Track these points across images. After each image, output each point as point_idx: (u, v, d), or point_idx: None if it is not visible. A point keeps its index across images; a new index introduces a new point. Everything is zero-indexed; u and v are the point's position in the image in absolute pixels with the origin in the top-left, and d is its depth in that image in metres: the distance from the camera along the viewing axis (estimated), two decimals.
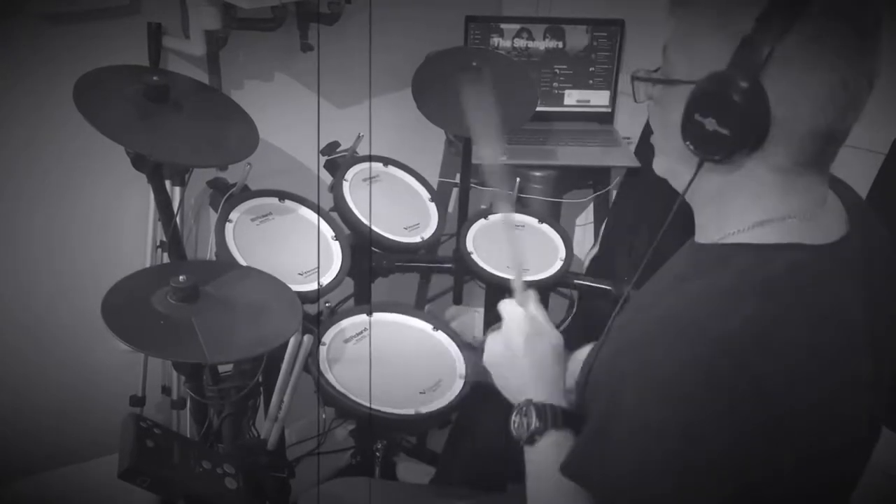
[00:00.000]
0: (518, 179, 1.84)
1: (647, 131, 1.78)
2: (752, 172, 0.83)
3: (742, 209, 0.85)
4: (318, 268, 1.48)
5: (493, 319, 1.81)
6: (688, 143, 0.82)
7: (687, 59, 0.83)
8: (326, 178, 1.73)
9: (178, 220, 1.54)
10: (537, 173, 2.01)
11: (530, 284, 1.09)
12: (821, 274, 0.82)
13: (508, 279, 1.68)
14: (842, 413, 0.82)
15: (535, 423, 0.93)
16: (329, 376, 1.28)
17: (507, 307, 1.05)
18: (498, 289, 1.79)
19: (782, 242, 0.83)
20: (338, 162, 1.71)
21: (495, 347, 1.03)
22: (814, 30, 0.76)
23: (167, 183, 1.51)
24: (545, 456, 0.92)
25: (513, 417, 0.95)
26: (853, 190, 0.97)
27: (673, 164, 0.90)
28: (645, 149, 1.99)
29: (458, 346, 1.42)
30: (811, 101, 0.78)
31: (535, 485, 0.93)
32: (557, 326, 2.36)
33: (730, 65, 0.78)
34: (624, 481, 0.78)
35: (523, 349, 0.99)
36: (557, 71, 2.14)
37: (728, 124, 0.79)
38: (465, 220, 1.79)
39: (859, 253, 0.88)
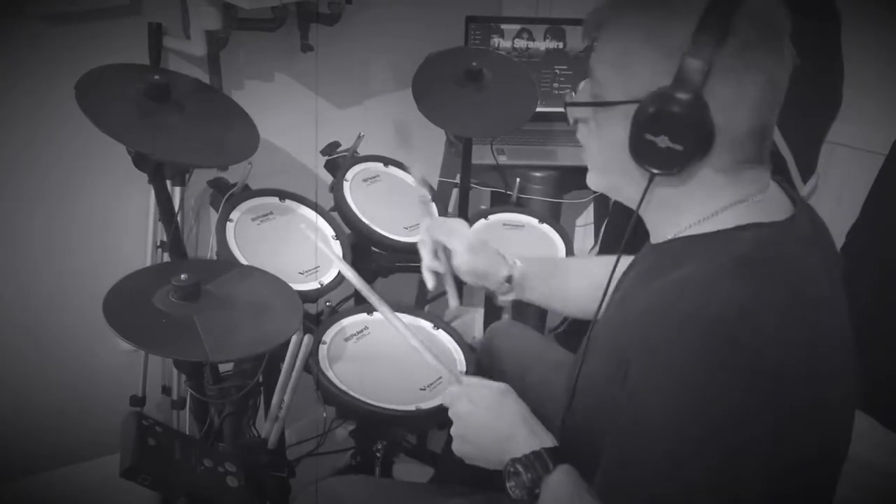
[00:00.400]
0: (518, 180, 1.85)
1: None
2: (698, 176, 0.86)
3: (692, 207, 0.88)
4: (318, 267, 1.48)
5: (492, 319, 1.81)
6: (643, 163, 0.85)
7: (621, 80, 0.86)
8: (327, 177, 1.73)
9: (178, 219, 1.54)
10: (537, 174, 2.01)
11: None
12: (784, 247, 0.85)
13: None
14: (833, 377, 0.85)
15: (526, 478, 0.90)
16: (329, 374, 1.29)
17: (444, 396, 1.04)
18: None
19: (741, 224, 0.85)
20: (338, 162, 1.71)
21: (454, 430, 1.00)
22: (746, 38, 0.80)
23: (168, 182, 1.51)
24: (553, 502, 0.89)
25: (507, 485, 0.93)
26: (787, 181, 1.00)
27: (615, 179, 0.92)
28: None
29: (458, 342, 1.42)
30: (748, 104, 0.82)
31: None
32: (557, 328, 2.38)
33: (674, 82, 0.81)
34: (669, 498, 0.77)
35: (472, 409, 0.98)
36: (558, 71, 2.15)
37: (680, 139, 0.82)
38: (465, 219, 1.79)
39: (811, 230, 0.91)
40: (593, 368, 0.93)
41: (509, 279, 1.30)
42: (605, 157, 0.91)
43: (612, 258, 0.96)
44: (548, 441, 0.94)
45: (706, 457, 0.76)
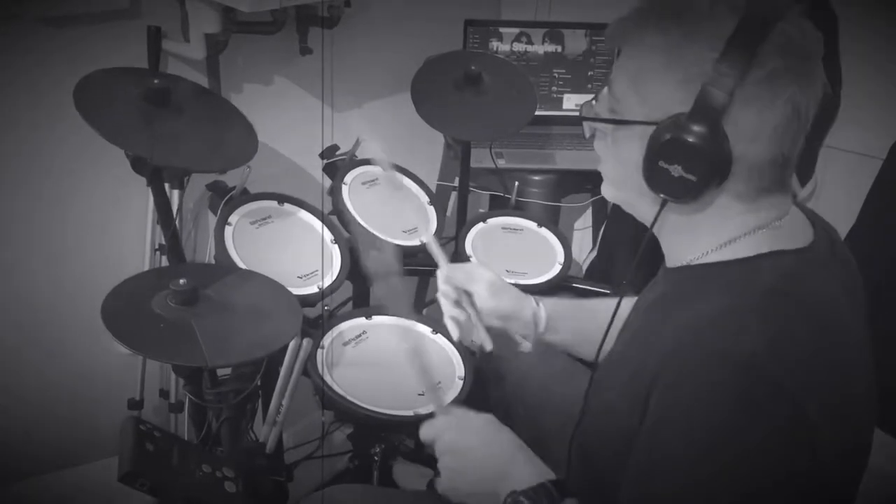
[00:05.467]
0: (517, 183, 1.85)
1: None
2: (715, 204, 0.84)
3: (709, 233, 0.86)
4: (322, 269, 1.48)
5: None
6: (656, 189, 0.83)
7: (639, 99, 0.84)
8: (326, 180, 1.73)
9: (177, 223, 1.54)
10: (536, 177, 2.02)
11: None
12: (807, 277, 0.83)
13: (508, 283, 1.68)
14: (860, 413, 0.84)
15: None
16: (328, 379, 1.28)
17: (426, 430, 1.00)
18: None
19: (762, 252, 0.83)
20: (337, 165, 1.71)
21: (443, 466, 0.96)
22: (771, 66, 0.77)
23: (166, 186, 1.51)
24: None
25: None
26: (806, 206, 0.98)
27: (629, 196, 0.90)
28: None
29: (457, 347, 1.42)
30: (769, 134, 0.79)
31: None
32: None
33: (692, 111, 0.78)
34: None
35: (460, 438, 0.95)
36: (556, 75, 2.15)
37: (694, 170, 0.79)
38: (463, 223, 1.79)
39: (831, 254, 0.89)
40: (610, 397, 0.89)
41: (535, 320, 1.21)
42: (620, 174, 0.89)
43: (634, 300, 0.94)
44: (547, 473, 0.91)
45: (731, 494, 0.74)
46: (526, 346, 1.22)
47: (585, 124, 0.92)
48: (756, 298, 0.79)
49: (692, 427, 0.75)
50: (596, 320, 1.16)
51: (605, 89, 0.90)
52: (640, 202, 0.89)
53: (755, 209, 0.84)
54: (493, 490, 0.90)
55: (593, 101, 0.91)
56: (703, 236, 0.86)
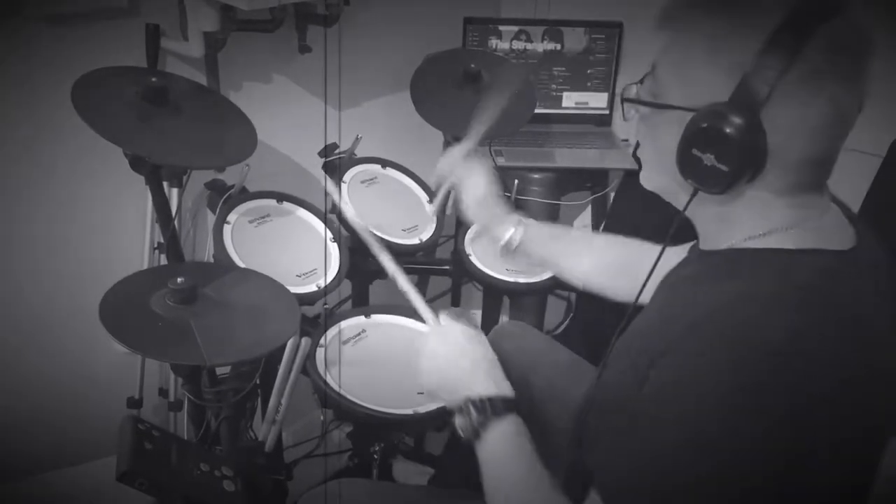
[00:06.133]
0: (516, 181, 1.85)
1: None
2: (749, 196, 0.83)
3: (746, 222, 0.85)
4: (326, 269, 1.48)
5: (490, 321, 1.80)
6: (687, 176, 0.82)
7: (680, 84, 0.83)
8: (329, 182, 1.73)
9: (175, 221, 1.53)
10: (535, 175, 2.01)
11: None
12: (844, 280, 0.82)
13: (507, 281, 1.69)
14: (879, 423, 0.83)
15: (475, 417, 0.93)
16: (327, 378, 1.28)
17: (445, 318, 1.08)
18: (496, 291, 1.80)
19: (804, 248, 0.82)
20: (336, 164, 1.71)
21: (421, 362, 1.04)
22: (816, 63, 0.76)
23: (165, 184, 1.51)
24: (494, 449, 0.92)
25: (456, 420, 0.96)
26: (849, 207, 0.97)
27: (666, 182, 0.89)
28: None
29: None
30: (808, 132, 0.78)
31: (493, 484, 0.91)
32: (556, 328, 2.37)
33: (731, 101, 0.77)
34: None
35: (438, 345, 1.02)
36: (555, 73, 2.14)
37: (727, 161, 0.78)
38: (462, 221, 1.79)
39: (873, 263, 0.87)
40: (620, 367, 0.90)
41: (509, 243, 1.31)
42: (658, 159, 0.88)
43: (618, 238, 0.97)
44: (506, 391, 0.97)
45: (715, 472, 0.74)
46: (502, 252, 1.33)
47: (626, 106, 0.91)
48: (790, 290, 0.78)
49: (700, 398, 0.75)
50: (570, 246, 1.31)
51: (647, 76, 0.89)
52: (674, 187, 0.88)
53: (794, 204, 0.83)
54: (456, 393, 0.98)
55: (636, 86, 0.90)
56: (740, 226, 0.85)
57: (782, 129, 0.77)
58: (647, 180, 0.93)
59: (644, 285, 0.94)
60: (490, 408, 0.93)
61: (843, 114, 0.79)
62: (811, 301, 0.77)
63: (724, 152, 0.78)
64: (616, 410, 0.86)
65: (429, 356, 1.03)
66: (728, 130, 0.77)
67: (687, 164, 0.81)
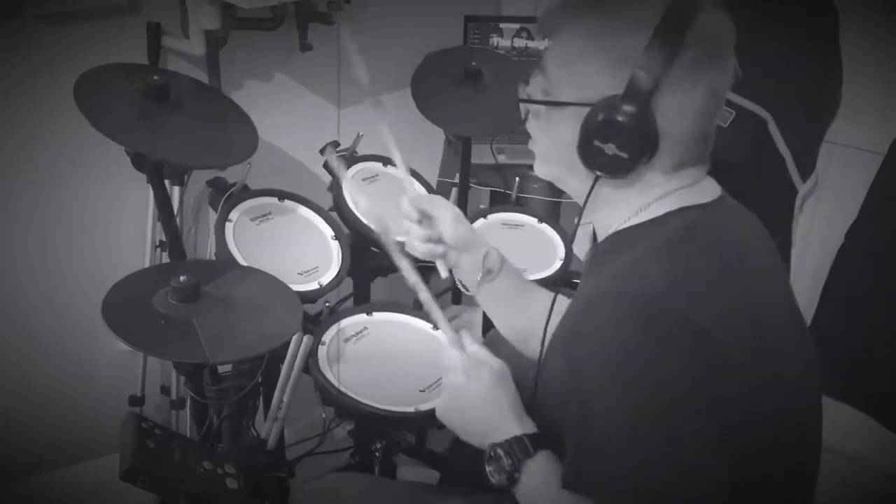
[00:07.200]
0: (518, 179, 1.85)
1: None
2: (641, 177, 0.91)
3: (629, 201, 0.93)
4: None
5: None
6: (591, 167, 0.90)
7: (572, 82, 0.90)
8: (326, 177, 1.73)
9: (177, 219, 1.54)
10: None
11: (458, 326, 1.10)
12: (711, 224, 0.91)
13: None
14: (781, 345, 0.90)
15: (506, 463, 0.91)
16: (328, 375, 1.29)
17: (443, 357, 1.03)
18: None
19: (672, 210, 0.91)
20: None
21: (443, 398, 1.01)
22: (692, 53, 0.85)
23: (166, 182, 1.51)
24: (531, 487, 0.91)
25: (487, 469, 0.93)
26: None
27: (561, 172, 0.97)
28: None
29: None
30: (692, 114, 0.88)
31: None
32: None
33: (624, 93, 0.85)
34: (622, 468, 0.80)
35: (466, 385, 0.98)
36: None
37: (626, 148, 0.87)
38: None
39: (737, 210, 0.97)
40: (552, 364, 0.96)
41: (484, 262, 1.21)
42: (553, 152, 0.96)
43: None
44: (530, 427, 0.95)
45: (659, 429, 0.79)
46: (444, 273, 1.25)
47: (521, 105, 0.98)
48: (659, 246, 0.87)
49: (610, 368, 0.81)
50: (525, 309, 1.21)
51: (535, 74, 0.95)
52: (570, 178, 0.96)
53: (674, 178, 0.92)
54: (481, 437, 0.96)
55: (525, 85, 0.97)
56: (624, 207, 0.93)
57: (671, 113, 0.86)
58: (541, 171, 1.00)
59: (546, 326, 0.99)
60: (519, 450, 0.92)
61: (717, 95, 0.89)
62: (681, 248, 0.86)
63: (624, 141, 0.86)
64: (561, 406, 0.88)
65: (453, 395, 1.00)
66: (625, 120, 0.85)
67: (589, 155, 0.89)
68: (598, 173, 0.90)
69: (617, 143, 0.86)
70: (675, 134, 0.88)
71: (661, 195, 0.92)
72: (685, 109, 0.87)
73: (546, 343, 0.99)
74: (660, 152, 0.88)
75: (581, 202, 0.96)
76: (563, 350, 0.90)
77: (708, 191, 0.95)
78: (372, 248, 1.66)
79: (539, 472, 0.91)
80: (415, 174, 1.78)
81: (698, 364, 0.79)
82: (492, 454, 0.93)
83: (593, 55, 0.87)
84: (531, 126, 0.98)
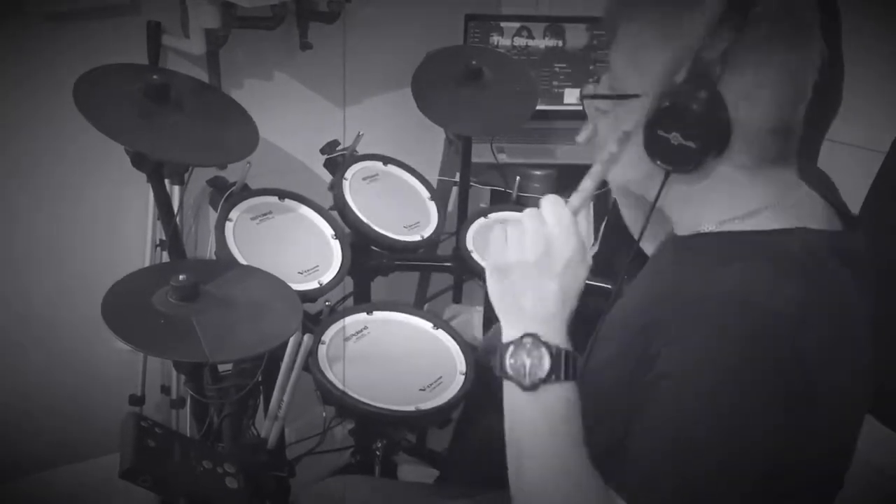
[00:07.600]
0: (518, 178, 1.84)
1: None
2: (719, 174, 0.84)
3: (719, 203, 0.87)
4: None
5: (492, 318, 1.80)
6: (656, 159, 0.83)
7: (636, 72, 0.85)
8: (326, 176, 1.73)
9: (177, 219, 1.53)
10: (537, 172, 2.01)
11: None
12: (832, 258, 0.84)
13: None
14: (861, 392, 0.86)
15: (547, 367, 0.78)
16: (329, 374, 1.28)
17: (555, 206, 0.83)
18: None
19: (789, 227, 0.84)
20: (337, 160, 1.71)
21: (514, 239, 0.84)
22: (761, 32, 0.79)
23: (167, 182, 1.51)
24: (548, 411, 0.79)
25: (511, 352, 0.80)
26: (828, 179, 0.98)
27: (636, 173, 0.89)
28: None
29: (458, 341, 1.42)
30: (766, 99, 0.81)
31: (531, 447, 0.80)
32: None
33: (687, 77, 0.79)
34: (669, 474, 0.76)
35: (561, 267, 0.81)
36: (557, 69, 2.14)
37: (693, 136, 0.79)
38: (464, 218, 1.79)
39: (856, 248, 0.89)
40: (611, 352, 0.88)
41: None
42: (624, 152, 0.87)
43: None
44: (565, 342, 0.82)
45: (741, 445, 0.75)
46: None
47: (586, 105, 0.93)
48: (788, 266, 0.80)
49: (723, 375, 0.75)
50: None
51: (605, 74, 0.91)
52: (646, 180, 0.88)
53: (762, 182, 0.85)
54: (518, 312, 0.82)
55: (594, 83, 0.92)
56: (715, 206, 0.87)
57: (741, 99, 0.79)
58: (617, 174, 0.91)
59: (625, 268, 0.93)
60: (566, 367, 0.79)
61: (795, 79, 0.82)
62: (811, 274, 0.80)
63: (689, 129, 0.79)
64: (613, 396, 0.85)
65: (533, 238, 0.82)
66: (688, 107, 0.78)
67: (654, 146, 0.82)
68: (660, 163, 0.82)
69: (682, 132, 0.79)
70: (749, 123, 0.81)
71: (764, 205, 0.85)
72: (757, 93, 0.80)
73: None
74: (732, 145, 0.81)
75: (664, 203, 0.88)
76: (628, 338, 0.84)
77: (823, 216, 0.88)
78: (372, 248, 1.66)
79: (566, 401, 0.79)
80: (417, 174, 1.78)
81: (791, 407, 0.75)
82: (530, 347, 0.79)
83: (659, 42, 0.82)
84: (601, 127, 0.92)
